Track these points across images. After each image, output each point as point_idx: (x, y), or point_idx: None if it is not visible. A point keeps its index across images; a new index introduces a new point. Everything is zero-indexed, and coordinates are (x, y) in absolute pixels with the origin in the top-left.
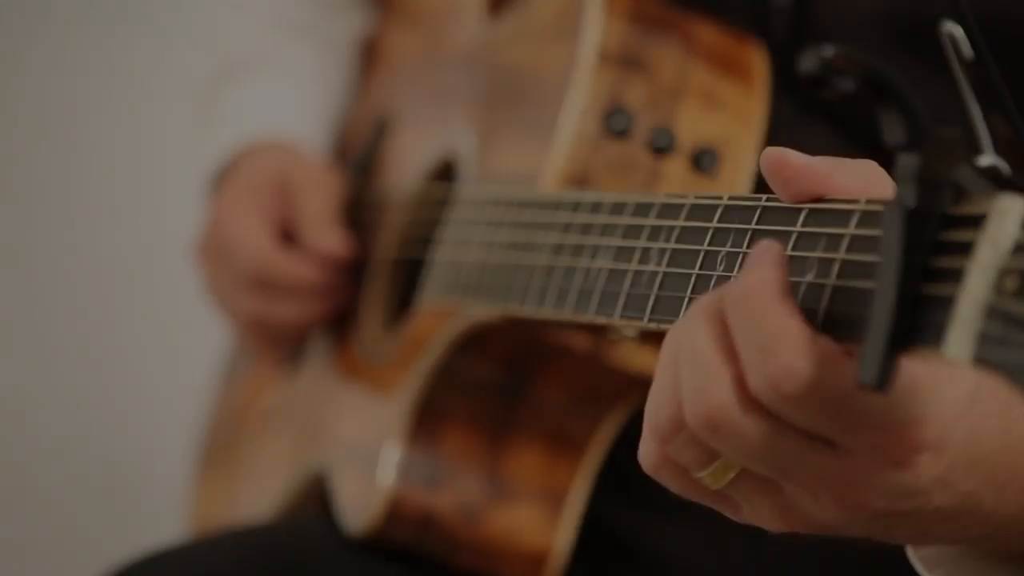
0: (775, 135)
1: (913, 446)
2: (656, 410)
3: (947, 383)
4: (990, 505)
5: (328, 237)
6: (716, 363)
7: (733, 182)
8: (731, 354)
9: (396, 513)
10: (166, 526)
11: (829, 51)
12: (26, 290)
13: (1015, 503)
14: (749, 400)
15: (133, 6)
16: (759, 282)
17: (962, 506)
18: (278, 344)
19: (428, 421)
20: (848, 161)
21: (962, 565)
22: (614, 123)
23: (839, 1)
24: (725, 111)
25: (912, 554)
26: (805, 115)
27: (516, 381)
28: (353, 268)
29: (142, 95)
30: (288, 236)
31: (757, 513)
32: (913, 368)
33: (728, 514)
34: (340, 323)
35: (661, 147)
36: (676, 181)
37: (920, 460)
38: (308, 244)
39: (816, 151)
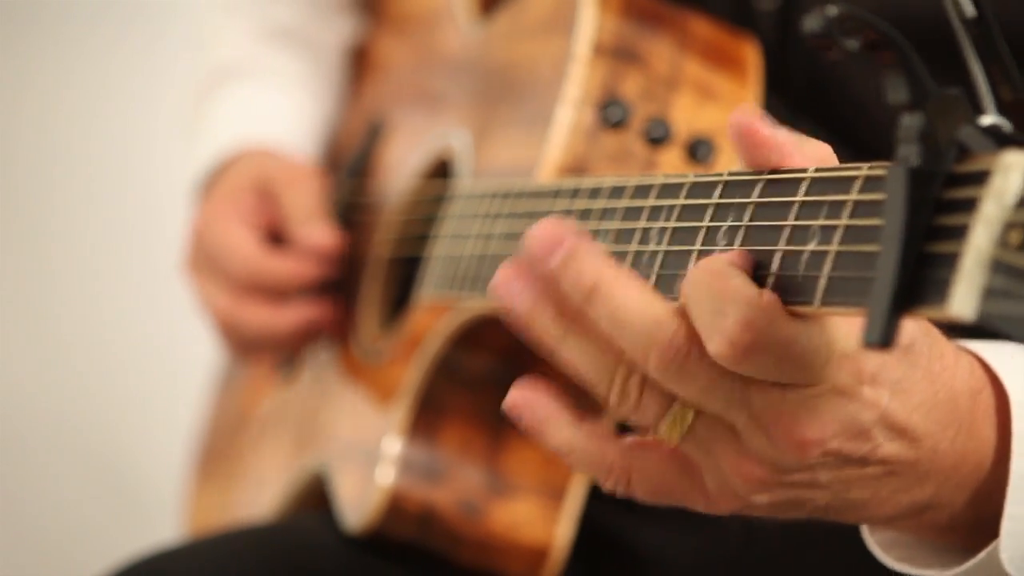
0: None
1: (856, 376)
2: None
3: None
4: (925, 458)
5: (316, 232)
6: (645, 299)
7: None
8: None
9: (395, 509)
10: (166, 526)
11: (834, 11)
12: (26, 293)
13: (947, 457)
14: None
15: (125, 12)
16: (706, 262)
17: (902, 459)
18: (278, 353)
19: (427, 416)
20: (809, 140)
21: (915, 548)
22: (610, 114)
23: (824, 3)
24: (719, 102)
25: (868, 537)
26: (794, 117)
27: (515, 375)
28: (346, 261)
29: (137, 96)
30: (276, 238)
31: (719, 473)
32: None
33: (696, 499)
34: (338, 324)
35: (657, 138)
36: (672, 171)
37: (862, 390)
38: (297, 241)
39: None
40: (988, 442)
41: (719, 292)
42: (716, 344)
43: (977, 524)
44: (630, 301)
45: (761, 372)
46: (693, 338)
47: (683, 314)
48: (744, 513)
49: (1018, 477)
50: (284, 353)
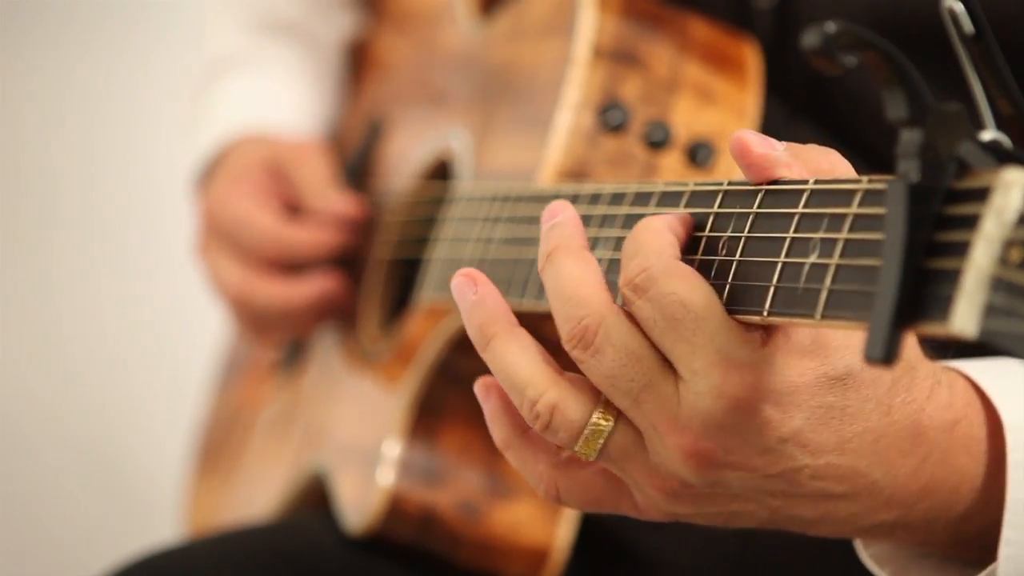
0: None
1: (751, 390)
2: (522, 388)
3: (805, 354)
4: (884, 484)
5: (335, 199)
6: (582, 278)
7: (729, 175)
8: (595, 272)
9: (396, 511)
10: (166, 526)
11: (832, 27)
12: (26, 292)
13: (912, 485)
14: (615, 306)
15: (126, 12)
16: (649, 218)
17: (852, 483)
18: (287, 332)
19: (427, 418)
20: (812, 147)
21: (908, 563)
22: (609, 118)
23: (822, 2)
24: (719, 105)
25: (862, 552)
26: (792, 116)
27: None
28: (365, 228)
29: (136, 95)
30: (292, 212)
31: (638, 487)
32: (777, 332)
33: (627, 509)
34: (339, 325)
35: (657, 141)
36: (672, 175)
37: (762, 408)
38: (316, 211)
39: None
40: (965, 470)
41: (643, 240)
42: (621, 279)
43: (958, 541)
44: (517, 365)
45: (653, 324)
46: (607, 303)
47: (558, 377)
48: (675, 520)
49: (1015, 503)
50: (289, 340)
